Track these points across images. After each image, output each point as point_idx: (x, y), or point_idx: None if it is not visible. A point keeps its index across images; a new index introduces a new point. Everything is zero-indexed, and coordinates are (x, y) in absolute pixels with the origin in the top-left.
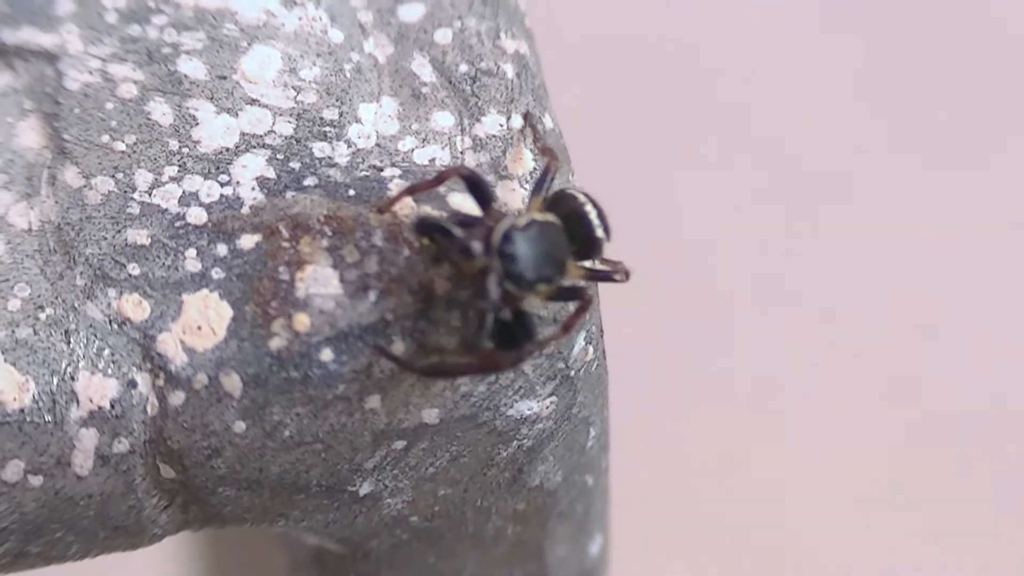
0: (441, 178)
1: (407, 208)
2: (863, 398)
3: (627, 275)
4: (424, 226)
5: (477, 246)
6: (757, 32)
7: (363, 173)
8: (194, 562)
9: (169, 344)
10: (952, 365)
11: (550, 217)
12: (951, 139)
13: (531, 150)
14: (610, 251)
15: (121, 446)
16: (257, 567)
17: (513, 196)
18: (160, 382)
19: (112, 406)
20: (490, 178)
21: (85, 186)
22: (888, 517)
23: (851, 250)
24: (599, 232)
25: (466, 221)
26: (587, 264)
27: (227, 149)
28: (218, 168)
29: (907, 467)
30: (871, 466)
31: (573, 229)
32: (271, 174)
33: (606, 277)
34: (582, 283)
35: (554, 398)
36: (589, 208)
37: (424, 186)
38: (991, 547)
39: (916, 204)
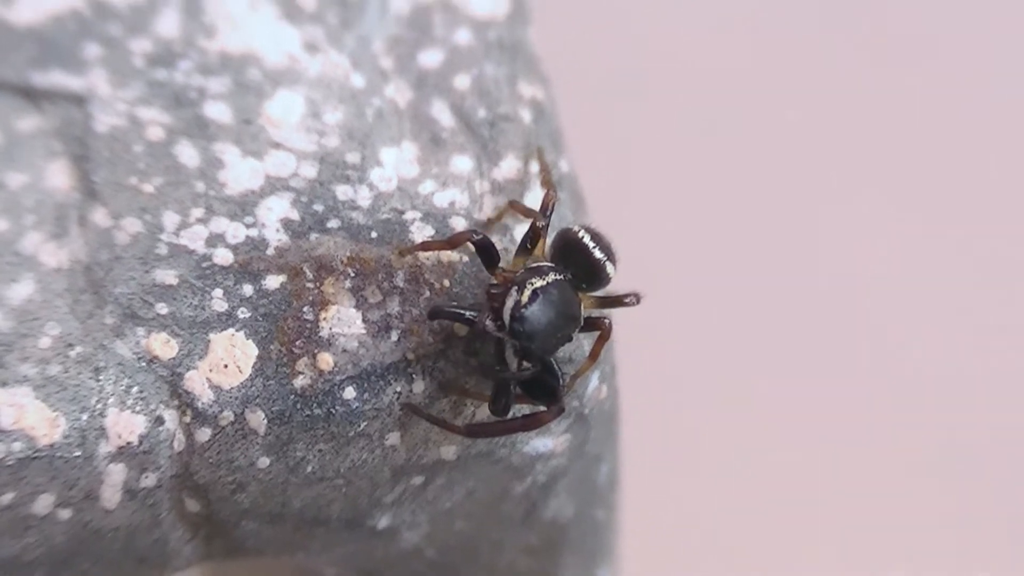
0: (452, 242)
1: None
2: (878, 430)
3: (638, 299)
4: (436, 315)
5: (491, 326)
6: (774, 74)
7: (385, 216)
8: None
9: (196, 382)
10: (959, 370)
11: (550, 276)
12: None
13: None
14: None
15: (148, 481)
16: None
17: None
18: (187, 419)
19: (140, 442)
20: (508, 221)
21: (114, 227)
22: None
23: (865, 273)
24: (604, 262)
25: (476, 303)
26: (599, 293)
27: (252, 191)
28: (244, 210)
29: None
30: (888, 496)
31: (579, 264)
32: (295, 216)
33: (619, 303)
34: (596, 313)
35: (568, 435)
36: (588, 240)
37: (436, 245)
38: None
39: (920, 210)
